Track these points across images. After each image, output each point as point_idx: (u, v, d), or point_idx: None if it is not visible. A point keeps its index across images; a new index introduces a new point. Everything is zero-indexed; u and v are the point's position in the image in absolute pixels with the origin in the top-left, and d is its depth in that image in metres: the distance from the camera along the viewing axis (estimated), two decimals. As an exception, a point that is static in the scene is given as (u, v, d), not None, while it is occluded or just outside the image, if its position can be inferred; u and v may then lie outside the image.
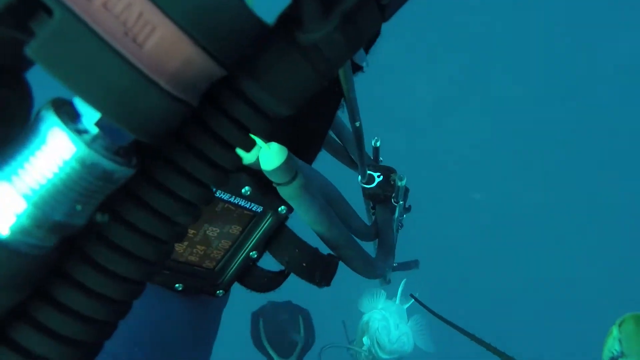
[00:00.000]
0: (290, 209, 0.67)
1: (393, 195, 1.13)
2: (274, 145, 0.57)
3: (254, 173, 0.63)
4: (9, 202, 0.27)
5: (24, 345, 0.30)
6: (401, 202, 1.16)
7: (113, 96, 0.25)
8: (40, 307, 0.30)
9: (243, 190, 0.63)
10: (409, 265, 1.57)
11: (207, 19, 0.25)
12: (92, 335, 0.32)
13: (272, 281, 0.72)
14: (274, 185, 0.62)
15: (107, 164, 0.27)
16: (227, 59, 0.27)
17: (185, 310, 0.73)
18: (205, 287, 0.70)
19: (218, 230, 0.67)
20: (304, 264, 0.70)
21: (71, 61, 0.24)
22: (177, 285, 0.67)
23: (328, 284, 0.76)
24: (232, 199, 0.64)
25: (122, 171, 0.28)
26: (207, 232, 0.66)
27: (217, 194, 0.62)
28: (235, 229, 0.67)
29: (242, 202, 0.65)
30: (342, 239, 0.74)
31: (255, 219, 0.67)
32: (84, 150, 0.26)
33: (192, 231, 0.65)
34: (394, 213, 1.17)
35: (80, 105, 0.27)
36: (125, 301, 0.33)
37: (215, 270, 0.69)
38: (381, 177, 1.14)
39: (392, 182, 1.13)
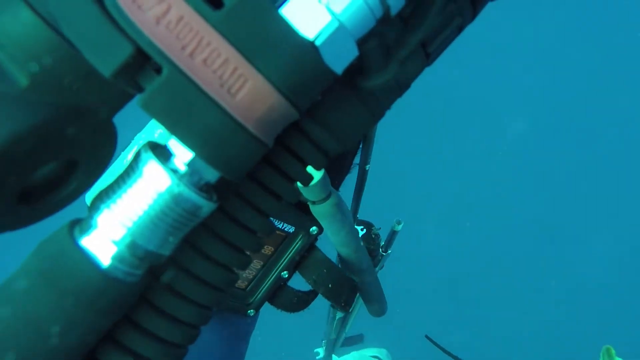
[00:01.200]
0: (320, 230, 0.70)
1: (380, 246, 1.08)
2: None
3: None
4: (111, 231, 0.30)
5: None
6: (389, 252, 1.11)
7: (208, 139, 0.28)
8: (127, 332, 0.33)
9: None
10: (354, 340, 1.57)
11: (290, 72, 0.28)
12: (169, 356, 0.35)
13: (302, 301, 0.75)
14: (308, 203, 0.65)
15: (196, 198, 0.30)
16: (303, 105, 0.30)
17: (216, 330, 0.75)
18: (236, 307, 0.72)
19: (251, 251, 0.69)
20: (331, 285, 0.73)
21: (175, 110, 0.28)
22: None
23: (348, 308, 0.80)
24: None
25: (207, 205, 0.31)
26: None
27: None
28: (268, 249, 0.70)
29: (276, 222, 0.68)
30: (365, 263, 0.77)
31: (287, 239, 0.70)
32: (176, 184, 0.29)
33: (228, 252, 0.68)
34: (378, 265, 1.13)
35: (173, 147, 0.30)
36: (196, 325, 0.36)
37: (247, 290, 0.72)
38: (364, 230, 1.09)
39: (373, 236, 1.07)
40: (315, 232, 0.70)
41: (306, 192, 0.64)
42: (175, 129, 0.28)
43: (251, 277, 0.72)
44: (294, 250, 0.71)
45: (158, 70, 0.28)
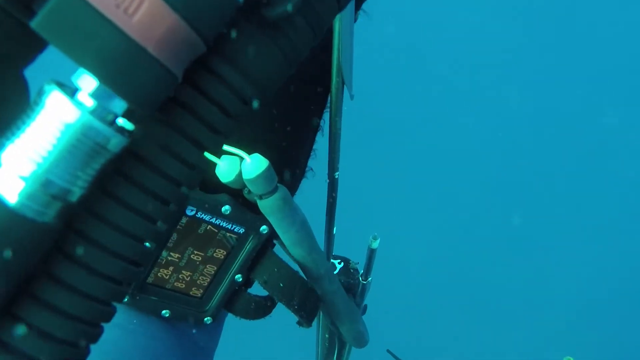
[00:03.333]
0: (271, 229, 0.69)
1: (358, 280, 1.05)
2: (255, 155, 0.61)
3: (234, 193, 0.66)
4: (17, 166, 0.29)
5: (29, 322, 0.32)
6: (370, 279, 1.07)
7: (107, 60, 0.29)
8: (46, 287, 0.32)
9: (223, 210, 0.66)
10: None
11: None
12: (92, 314, 0.34)
13: (261, 307, 0.73)
14: (255, 199, 0.64)
15: (103, 128, 0.30)
16: (206, 32, 0.31)
17: (173, 346, 0.73)
18: (192, 314, 0.70)
19: (202, 254, 0.68)
20: (282, 284, 0.71)
21: (70, 31, 0.28)
22: (163, 311, 0.68)
23: (309, 319, 0.76)
24: (213, 220, 0.66)
25: (117, 139, 0.31)
26: (192, 256, 0.68)
27: (198, 215, 0.65)
28: (220, 253, 0.69)
29: (224, 223, 0.67)
30: (323, 267, 0.74)
31: (238, 240, 0.69)
32: (84, 115, 0.30)
33: (177, 255, 0.67)
34: (363, 299, 1.08)
35: (78, 82, 0.31)
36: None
37: (202, 298, 0.71)
38: (342, 263, 1.08)
39: (352, 270, 1.06)
40: (266, 231, 0.69)
41: (251, 185, 0.64)
42: (71, 50, 0.28)
43: (205, 283, 0.70)
44: (245, 252, 0.70)
45: None
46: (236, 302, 0.72)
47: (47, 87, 0.30)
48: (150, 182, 0.35)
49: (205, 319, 0.71)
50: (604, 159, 4.75)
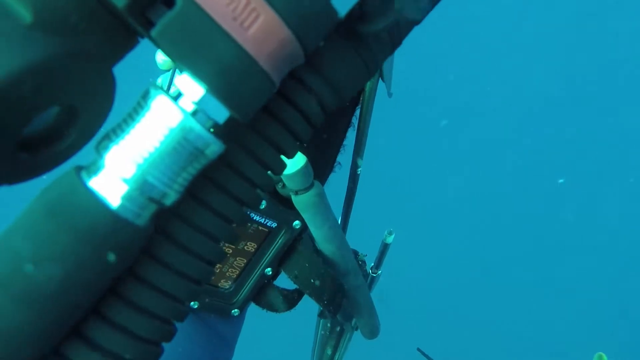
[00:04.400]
0: (304, 224, 0.70)
1: (367, 272, 1.07)
2: None
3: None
4: (120, 168, 0.29)
5: (117, 321, 0.32)
6: (380, 272, 1.09)
7: (221, 72, 0.29)
8: (132, 287, 0.33)
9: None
10: None
11: (301, 8, 0.29)
12: (174, 313, 0.34)
13: (288, 300, 0.74)
14: (290, 194, 0.65)
15: (205, 134, 0.30)
16: (309, 45, 0.31)
17: (198, 337, 0.73)
18: (220, 306, 0.71)
19: (234, 247, 0.69)
20: (312, 280, 0.72)
21: (188, 42, 0.28)
22: (192, 303, 0.69)
23: (335, 312, 0.78)
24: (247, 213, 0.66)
25: (216, 145, 0.31)
26: (224, 248, 0.68)
27: None
28: (251, 246, 0.70)
29: (257, 217, 0.67)
30: (351, 264, 0.76)
31: (270, 235, 0.70)
32: (188, 118, 0.29)
33: (212, 247, 0.67)
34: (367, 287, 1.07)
35: (181, 88, 0.31)
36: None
37: (231, 289, 0.71)
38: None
39: (360, 263, 1.05)
40: (299, 226, 0.70)
41: (289, 181, 0.64)
42: (188, 61, 0.28)
43: (234, 275, 0.71)
44: (277, 246, 0.70)
45: (169, 5, 0.28)
46: (265, 295, 0.73)
47: (152, 91, 0.30)
48: (234, 186, 0.35)
49: (233, 311, 0.71)
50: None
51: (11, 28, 0.28)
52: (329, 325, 1.12)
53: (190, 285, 0.34)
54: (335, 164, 0.81)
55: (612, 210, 4.69)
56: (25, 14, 0.28)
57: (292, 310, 0.77)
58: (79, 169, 0.30)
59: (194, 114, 0.30)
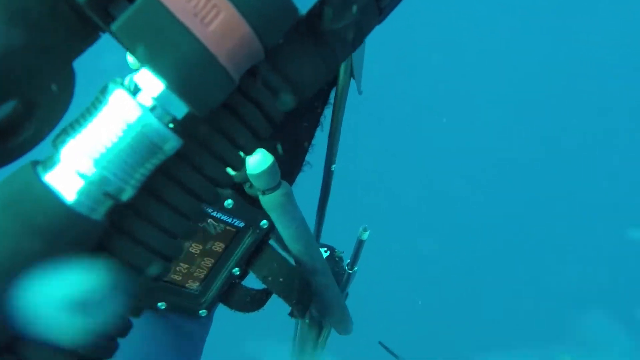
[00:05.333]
0: (271, 224, 0.70)
1: (343, 269, 1.05)
2: (260, 150, 0.61)
3: (236, 186, 0.67)
4: (76, 163, 0.29)
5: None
6: (356, 269, 1.08)
7: (181, 67, 0.29)
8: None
9: (226, 203, 0.66)
10: None
11: (261, 5, 0.30)
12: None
13: (256, 300, 0.74)
14: (257, 194, 0.65)
15: (164, 130, 0.30)
16: (269, 42, 0.32)
17: (166, 332, 0.73)
18: (188, 307, 0.70)
19: (201, 247, 0.68)
20: (282, 279, 0.73)
21: (149, 37, 0.28)
22: (159, 304, 0.68)
23: (304, 311, 0.78)
24: (214, 213, 0.66)
25: (174, 141, 0.31)
26: (190, 249, 0.68)
27: None
28: (218, 246, 0.70)
29: (225, 217, 0.67)
30: (319, 262, 0.77)
31: (237, 235, 0.70)
32: (146, 115, 0.30)
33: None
34: (346, 287, 1.07)
35: (139, 83, 0.31)
36: None
37: (199, 290, 0.71)
38: (328, 252, 1.06)
39: (337, 259, 1.06)
40: (266, 226, 0.70)
41: (256, 181, 0.64)
42: (147, 56, 0.28)
43: (202, 276, 0.70)
44: (244, 246, 0.70)
45: (130, 0, 0.28)
46: (233, 295, 0.73)
47: (111, 85, 0.30)
48: (191, 182, 0.35)
49: (201, 311, 0.71)
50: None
51: None
52: (307, 321, 1.12)
53: (146, 282, 0.34)
54: (304, 163, 0.81)
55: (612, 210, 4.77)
56: None
57: (262, 310, 0.77)
58: (34, 163, 0.30)
59: (153, 109, 0.30)
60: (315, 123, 0.74)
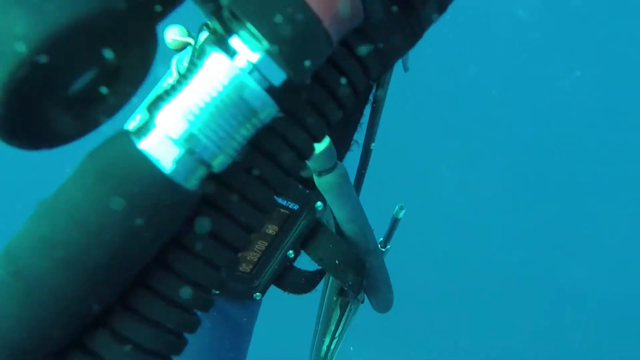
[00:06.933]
0: (325, 206, 0.68)
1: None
2: None
3: None
4: (171, 126, 0.28)
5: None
6: (388, 247, 1.03)
7: (286, 31, 0.27)
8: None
9: None
10: None
11: None
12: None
13: (309, 281, 0.73)
14: (313, 175, 0.63)
15: (262, 93, 0.29)
16: (370, 9, 0.30)
17: (217, 323, 0.72)
18: (241, 290, 0.69)
19: (255, 231, 0.67)
20: (337, 261, 0.71)
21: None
22: None
23: (357, 292, 0.77)
24: None
25: (270, 107, 0.30)
26: None
27: None
28: (272, 229, 0.68)
29: (280, 200, 0.66)
30: (372, 244, 0.75)
31: (291, 217, 0.68)
32: (244, 76, 0.28)
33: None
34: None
35: (237, 47, 0.29)
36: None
37: (252, 273, 0.69)
38: None
39: None
40: (321, 207, 0.68)
41: (312, 162, 0.63)
42: (253, 17, 0.27)
43: (256, 259, 0.69)
44: (299, 228, 0.69)
45: None
46: (287, 278, 0.71)
47: (208, 48, 0.28)
48: (282, 156, 0.33)
49: (255, 294, 0.70)
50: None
51: None
52: (335, 299, 1.10)
53: (232, 256, 0.33)
54: (352, 142, 0.80)
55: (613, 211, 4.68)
56: None
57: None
58: (127, 131, 0.29)
59: (251, 72, 0.28)
60: (365, 99, 0.72)
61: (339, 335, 1.06)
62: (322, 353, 1.05)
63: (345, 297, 0.83)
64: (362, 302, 1.00)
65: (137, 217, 0.27)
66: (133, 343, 0.30)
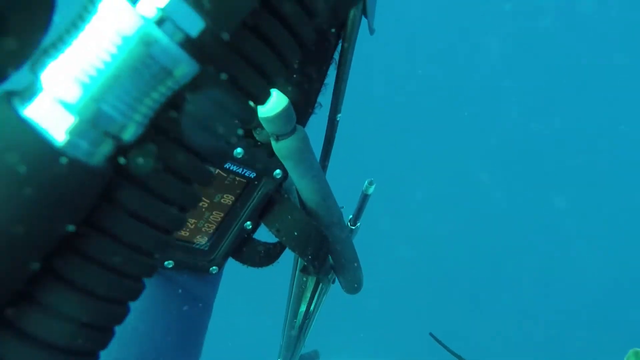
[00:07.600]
0: (285, 174, 0.64)
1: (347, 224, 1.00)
2: (274, 91, 0.54)
3: (246, 134, 0.60)
4: (61, 89, 0.23)
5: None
6: (359, 225, 1.04)
7: None
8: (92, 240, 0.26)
9: (235, 152, 0.59)
10: (310, 357, 1.43)
11: None
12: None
13: (269, 254, 0.69)
14: (269, 140, 0.59)
15: (174, 49, 0.24)
16: None
17: (172, 296, 0.68)
18: (197, 264, 0.65)
19: (209, 201, 0.62)
20: (296, 233, 0.67)
21: None
22: (166, 262, 0.63)
23: (320, 267, 0.73)
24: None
25: (187, 65, 0.25)
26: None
27: None
28: (228, 199, 0.64)
29: (234, 167, 0.61)
30: (336, 215, 0.71)
31: (248, 186, 0.64)
32: (150, 26, 0.23)
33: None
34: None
35: None
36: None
37: (208, 245, 0.65)
38: None
39: None
40: (280, 175, 0.64)
41: (269, 125, 0.57)
42: None
43: (211, 230, 0.65)
44: (256, 198, 0.64)
45: None
46: (244, 250, 0.67)
47: None
48: (210, 118, 0.28)
49: (212, 268, 0.66)
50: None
51: None
52: (304, 279, 1.07)
53: (158, 235, 0.28)
54: (316, 104, 0.74)
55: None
56: None
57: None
58: (9, 94, 0.23)
59: (159, 22, 0.23)
60: (329, 58, 0.66)
61: (310, 316, 1.04)
62: (294, 333, 1.02)
63: (307, 273, 0.79)
64: (333, 282, 0.97)
65: (28, 200, 0.22)
66: (66, 316, 0.26)
